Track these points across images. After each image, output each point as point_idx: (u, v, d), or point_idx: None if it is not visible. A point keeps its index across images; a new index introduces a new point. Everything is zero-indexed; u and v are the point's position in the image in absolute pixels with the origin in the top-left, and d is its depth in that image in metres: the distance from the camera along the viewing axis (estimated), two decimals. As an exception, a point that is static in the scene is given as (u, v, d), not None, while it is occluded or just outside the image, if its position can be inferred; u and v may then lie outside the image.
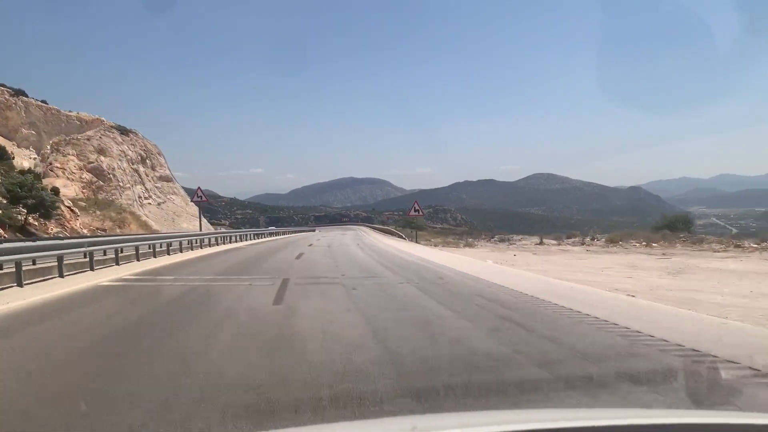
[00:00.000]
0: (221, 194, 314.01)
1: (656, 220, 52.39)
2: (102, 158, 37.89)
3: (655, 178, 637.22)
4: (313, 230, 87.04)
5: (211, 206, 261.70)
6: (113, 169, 38.19)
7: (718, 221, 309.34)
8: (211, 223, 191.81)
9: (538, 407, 4.09)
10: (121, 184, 38.19)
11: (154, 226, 36.70)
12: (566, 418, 1.88)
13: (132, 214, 30.98)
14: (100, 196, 35.59)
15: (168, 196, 44.43)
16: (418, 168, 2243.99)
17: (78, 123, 45.99)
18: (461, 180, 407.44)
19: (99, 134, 40.30)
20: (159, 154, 46.09)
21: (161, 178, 44.91)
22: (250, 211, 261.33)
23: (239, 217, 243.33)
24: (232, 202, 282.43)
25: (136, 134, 44.30)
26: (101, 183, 36.83)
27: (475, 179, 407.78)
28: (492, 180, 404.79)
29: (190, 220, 42.96)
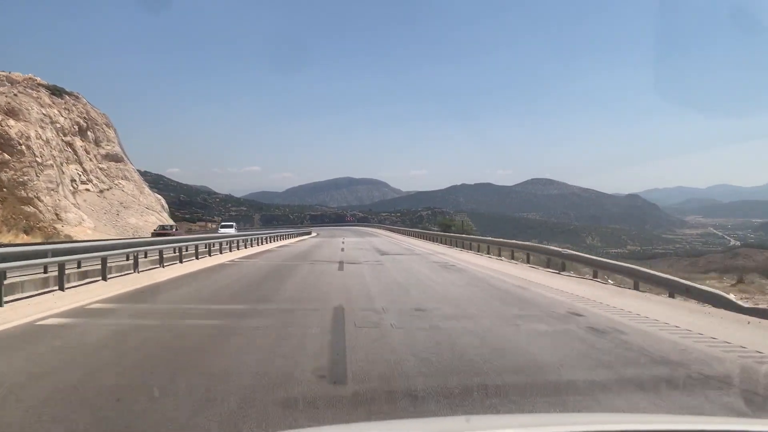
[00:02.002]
0: (217, 191, 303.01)
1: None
2: (11, 122, 26.04)
3: (652, 187, 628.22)
4: (309, 233, 63.29)
5: (205, 202, 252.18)
6: (27, 138, 26.40)
7: (715, 231, 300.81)
8: (203, 221, 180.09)
9: None
10: (39, 159, 26.44)
11: (85, 225, 25.09)
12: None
13: (21, 199, 19.59)
14: (3, 175, 24.12)
15: (116, 181, 32.64)
16: (415, 170, 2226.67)
17: (8, 85, 34.72)
18: (458, 183, 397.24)
19: (14, 91, 28.48)
20: (107, 125, 33.87)
21: (108, 157, 32.90)
22: (245, 209, 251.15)
23: (233, 214, 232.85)
24: (227, 199, 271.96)
25: (77, 98, 32.20)
26: (6, 156, 25.20)
27: (471, 182, 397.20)
28: (489, 184, 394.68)
29: (142, 213, 31.18)
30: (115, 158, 33.87)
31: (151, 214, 32.99)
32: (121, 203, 31.49)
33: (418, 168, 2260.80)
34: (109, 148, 33.67)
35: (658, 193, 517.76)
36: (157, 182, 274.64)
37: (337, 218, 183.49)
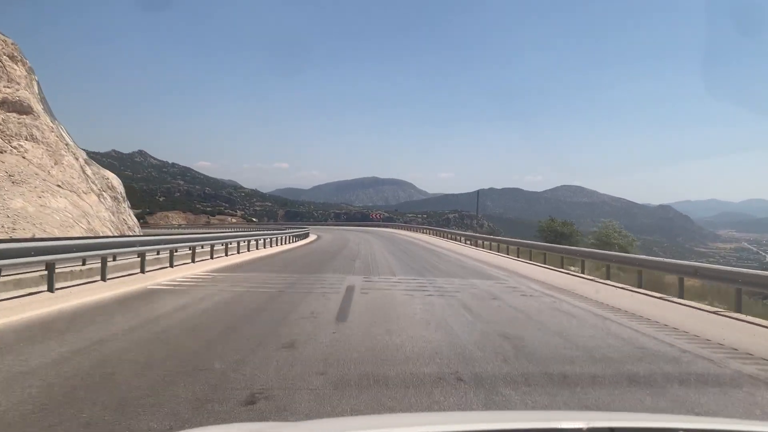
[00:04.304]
0: (244, 185, 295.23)
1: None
2: None
3: (683, 198, 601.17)
4: (306, 234, 42.42)
5: (230, 196, 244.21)
6: None
7: (749, 246, 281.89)
8: (221, 215, 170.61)
9: None
10: None
11: None
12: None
13: None
14: None
15: (15, 143, 20.47)
16: (442, 172, 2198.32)
17: None
18: (486, 187, 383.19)
19: None
20: (13, 58, 21.66)
21: (6, 106, 20.64)
22: (270, 204, 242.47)
23: (258, 209, 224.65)
24: (253, 194, 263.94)
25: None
26: None
27: (499, 187, 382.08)
28: (517, 189, 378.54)
29: (43, 193, 18.71)
30: (17, 108, 21.62)
31: (64, 196, 20.83)
32: (10, 176, 19.40)
33: (446, 170, 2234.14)
34: (9, 91, 21.61)
35: (690, 205, 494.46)
36: (184, 174, 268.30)
37: (362, 217, 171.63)
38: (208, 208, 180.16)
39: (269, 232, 31.14)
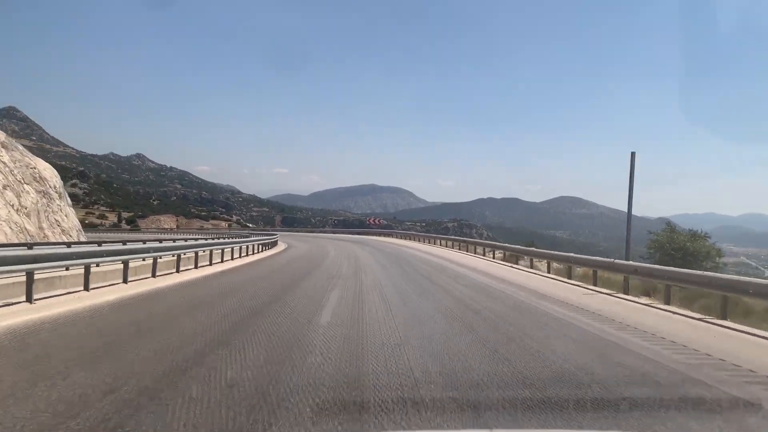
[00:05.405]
0: (243, 191, 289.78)
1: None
2: None
3: (681, 212, 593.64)
4: (275, 241, 34.58)
5: (227, 201, 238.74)
6: None
7: (749, 261, 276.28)
8: (215, 220, 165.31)
9: None
10: None
11: None
12: None
13: None
14: None
15: None
16: (441, 180, 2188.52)
17: None
18: (485, 196, 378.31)
19: None
20: None
21: None
22: (267, 210, 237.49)
23: (255, 214, 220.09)
24: (251, 199, 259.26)
25: None
26: None
27: (499, 197, 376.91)
28: (516, 199, 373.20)
29: None
30: None
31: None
32: None
33: (446, 179, 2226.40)
34: None
35: (688, 218, 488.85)
36: (182, 178, 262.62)
37: (359, 224, 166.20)
38: (203, 213, 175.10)
39: (209, 242, 21.76)
